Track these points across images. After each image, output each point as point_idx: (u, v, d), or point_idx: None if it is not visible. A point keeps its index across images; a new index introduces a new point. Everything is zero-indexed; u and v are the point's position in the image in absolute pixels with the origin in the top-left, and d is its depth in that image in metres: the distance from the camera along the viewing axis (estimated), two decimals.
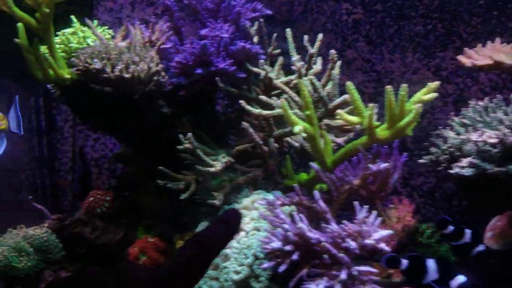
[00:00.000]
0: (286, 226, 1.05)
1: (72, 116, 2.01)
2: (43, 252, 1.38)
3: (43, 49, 1.41)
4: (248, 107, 1.19)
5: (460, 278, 1.04)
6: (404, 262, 1.08)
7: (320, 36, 1.42)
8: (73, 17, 1.51)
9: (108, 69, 1.18)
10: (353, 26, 1.81)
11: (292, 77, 1.32)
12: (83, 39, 1.47)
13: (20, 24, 1.34)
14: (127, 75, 1.18)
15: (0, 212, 1.97)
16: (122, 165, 1.65)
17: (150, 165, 1.47)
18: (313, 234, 1.05)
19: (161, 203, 1.47)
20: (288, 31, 1.46)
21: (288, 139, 1.38)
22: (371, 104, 1.09)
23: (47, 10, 1.28)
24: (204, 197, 1.36)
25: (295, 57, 1.31)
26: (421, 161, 1.30)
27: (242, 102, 1.19)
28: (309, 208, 1.16)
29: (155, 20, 1.49)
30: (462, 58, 1.32)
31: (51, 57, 1.33)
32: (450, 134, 1.21)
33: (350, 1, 1.79)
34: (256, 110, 1.19)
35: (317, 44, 1.41)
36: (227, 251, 1.20)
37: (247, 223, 1.22)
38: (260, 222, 1.20)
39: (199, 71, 1.21)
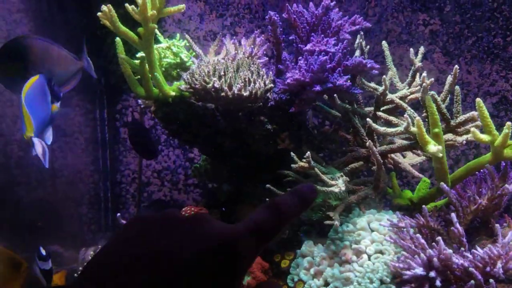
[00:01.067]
0: (430, 251, 1.00)
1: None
2: None
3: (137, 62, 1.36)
4: (374, 125, 1.14)
5: None
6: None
7: (421, 49, 1.38)
8: (158, 32, 1.45)
9: (226, 87, 1.12)
10: (430, 37, 1.77)
11: (407, 92, 1.28)
12: (175, 55, 1.42)
13: (118, 39, 1.29)
14: (245, 94, 1.12)
15: (61, 225, 1.91)
16: (208, 180, 1.58)
17: (247, 182, 1.42)
18: (456, 259, 1.01)
19: None
20: (385, 44, 1.42)
21: (393, 155, 1.33)
22: (508, 123, 1.05)
23: (154, 26, 1.22)
24: (308, 214, 1.32)
25: (396, 76, 1.27)
26: None
27: (369, 120, 1.14)
28: (438, 231, 1.12)
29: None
30: None
31: (155, 72, 1.27)
32: None
33: (427, 12, 1.75)
34: (382, 128, 1.14)
35: (420, 56, 1.37)
36: (348, 274, 1.15)
37: (367, 246, 1.17)
38: (383, 245, 1.16)
39: (317, 88, 1.15)
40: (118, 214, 1.44)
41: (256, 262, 1.32)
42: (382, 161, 1.27)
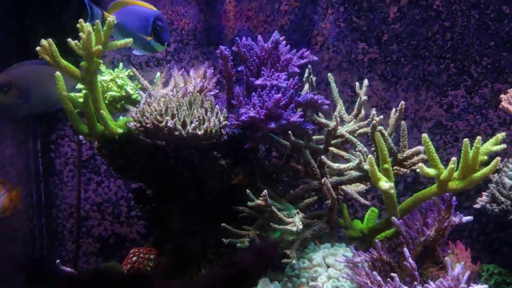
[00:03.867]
0: None
1: (77, 159, 1.85)
2: None
3: (77, 97, 1.29)
4: (329, 162, 1.17)
5: None
6: None
7: (366, 81, 1.44)
8: (102, 65, 1.39)
9: (180, 126, 1.10)
10: (369, 65, 1.85)
11: (355, 126, 1.32)
12: (120, 87, 1.36)
13: (58, 74, 1.22)
14: (200, 132, 1.10)
15: None
16: (149, 215, 1.53)
17: (195, 220, 1.39)
18: None
19: (208, 258, 1.39)
20: (331, 76, 1.47)
21: (343, 187, 1.37)
22: (453, 158, 1.12)
23: (99, 61, 1.17)
24: None
25: (343, 109, 1.32)
26: (477, 206, 1.35)
27: (323, 157, 1.16)
28: (390, 265, 1.16)
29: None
30: (505, 104, 1.40)
31: (100, 110, 1.21)
32: (506, 180, 1.27)
33: (366, 41, 1.83)
34: (335, 165, 1.17)
35: (364, 89, 1.43)
36: None
37: (324, 283, 1.19)
38: (339, 281, 1.18)
39: (272, 125, 1.16)
40: (58, 260, 1.34)
41: None
42: (335, 196, 1.31)
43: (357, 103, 1.41)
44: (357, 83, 1.40)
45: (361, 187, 1.46)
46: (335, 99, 1.46)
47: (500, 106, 1.42)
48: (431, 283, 1.05)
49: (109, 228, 1.97)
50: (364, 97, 1.39)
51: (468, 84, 1.80)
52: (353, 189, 1.44)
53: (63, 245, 1.97)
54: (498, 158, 1.12)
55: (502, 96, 1.44)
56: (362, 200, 1.39)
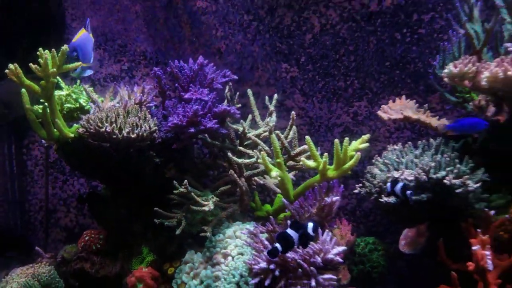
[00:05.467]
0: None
1: (45, 161, 2.08)
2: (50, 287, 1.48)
3: (39, 108, 1.54)
4: (234, 158, 1.44)
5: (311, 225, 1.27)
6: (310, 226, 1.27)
7: (275, 95, 1.73)
8: (60, 80, 1.65)
9: (117, 131, 1.36)
10: (291, 81, 2.14)
11: (261, 131, 1.60)
12: (75, 100, 1.62)
13: (24, 91, 1.47)
14: (133, 136, 1.37)
15: None
16: (104, 205, 1.78)
17: (138, 206, 1.65)
18: (290, 254, 1.33)
19: (148, 237, 1.64)
20: (250, 92, 1.75)
21: (256, 178, 1.64)
22: (325, 154, 1.41)
23: (54, 81, 1.42)
24: (191, 229, 1.58)
25: (258, 117, 1.60)
26: (356, 191, 1.65)
27: (229, 154, 1.44)
28: None
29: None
30: (380, 113, 1.70)
31: (56, 119, 1.46)
32: (376, 171, 1.57)
33: (288, 62, 2.13)
34: (240, 160, 1.45)
35: (274, 102, 1.71)
36: (217, 273, 1.43)
37: (232, 250, 1.46)
38: (243, 248, 1.45)
39: (191, 130, 1.43)
40: (36, 247, 1.59)
41: (147, 272, 1.55)
42: (246, 184, 1.58)
43: (268, 113, 1.70)
44: (266, 97, 1.69)
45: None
46: (253, 109, 1.74)
47: (377, 113, 1.71)
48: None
49: (74, 220, 2.20)
50: (272, 108, 1.67)
51: (369, 97, 2.11)
52: (269, 180, 1.72)
53: (35, 234, 2.19)
54: (359, 154, 1.41)
55: (383, 106, 1.74)
56: (275, 189, 1.66)
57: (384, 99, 2.09)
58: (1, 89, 1.65)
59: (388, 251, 1.72)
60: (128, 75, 2.12)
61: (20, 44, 1.83)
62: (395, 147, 1.62)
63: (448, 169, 1.34)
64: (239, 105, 1.78)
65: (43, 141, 1.61)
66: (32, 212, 2.17)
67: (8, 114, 1.63)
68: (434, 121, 1.60)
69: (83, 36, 1.51)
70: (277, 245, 1.21)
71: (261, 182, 1.67)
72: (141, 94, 1.60)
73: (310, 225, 1.26)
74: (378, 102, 2.10)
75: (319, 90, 2.13)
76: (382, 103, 2.09)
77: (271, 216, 1.44)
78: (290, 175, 1.68)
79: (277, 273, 1.32)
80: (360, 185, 1.61)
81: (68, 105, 1.58)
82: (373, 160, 1.64)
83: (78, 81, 1.76)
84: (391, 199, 1.44)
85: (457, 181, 1.32)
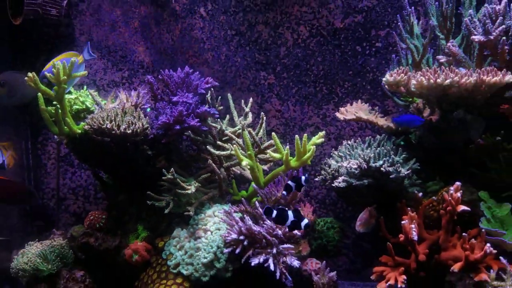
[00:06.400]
0: (240, 224, 1.56)
1: (56, 155, 2.34)
2: (60, 257, 1.73)
3: (52, 109, 1.79)
4: (212, 150, 1.70)
5: (306, 220, 1.42)
6: (274, 212, 1.41)
7: (251, 99, 1.98)
8: (72, 88, 1.90)
9: (115, 128, 1.61)
10: (268, 87, 2.39)
11: (236, 128, 1.86)
12: (82, 103, 1.87)
13: (39, 95, 1.72)
14: (129, 131, 1.62)
15: None
16: (106, 192, 2.03)
17: (134, 191, 1.90)
18: (256, 228, 1.58)
19: (142, 217, 1.89)
20: (229, 96, 2.00)
21: (233, 169, 1.89)
22: (287, 147, 1.66)
23: (65, 87, 1.68)
24: (178, 210, 1.82)
25: (236, 117, 1.85)
26: (316, 179, 1.90)
27: (209, 147, 1.69)
28: (250, 213, 1.69)
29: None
30: (338, 114, 1.96)
31: (66, 117, 1.71)
32: (332, 162, 1.82)
33: (265, 71, 2.38)
34: (217, 152, 1.70)
35: (250, 105, 1.96)
36: (199, 245, 1.68)
37: (211, 226, 1.71)
38: (220, 224, 1.70)
39: (177, 127, 1.69)
40: (54, 229, 1.84)
41: (142, 245, 1.80)
42: (225, 173, 1.83)
43: (243, 114, 1.95)
44: (242, 100, 1.94)
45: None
46: (231, 110, 1.99)
47: (336, 114, 1.96)
48: (267, 221, 1.58)
49: (81, 206, 2.45)
50: (247, 109, 1.92)
51: (336, 101, 2.35)
52: (246, 172, 1.97)
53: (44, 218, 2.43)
54: (314, 147, 1.66)
55: (340, 108, 1.99)
56: (248, 176, 1.90)
57: (348, 102, 2.33)
58: (6, 76, 1.85)
59: (344, 230, 1.96)
60: (128, 82, 2.37)
61: (38, 59, 2.09)
62: (349, 142, 1.87)
63: (385, 159, 1.59)
64: (221, 107, 2.03)
65: (55, 137, 1.86)
66: (45, 200, 2.42)
67: (9, 98, 1.87)
68: (380, 121, 1.85)
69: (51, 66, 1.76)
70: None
71: (239, 172, 1.92)
72: (137, 98, 1.86)
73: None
74: (343, 105, 2.34)
75: (293, 95, 2.37)
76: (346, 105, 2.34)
77: (243, 198, 1.69)
78: (265, 167, 1.93)
79: (245, 243, 1.57)
80: (319, 174, 1.86)
81: (76, 106, 1.84)
82: (331, 153, 1.89)
83: (85, 86, 2.02)
84: (341, 184, 1.69)
85: (390, 169, 1.57)
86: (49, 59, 1.67)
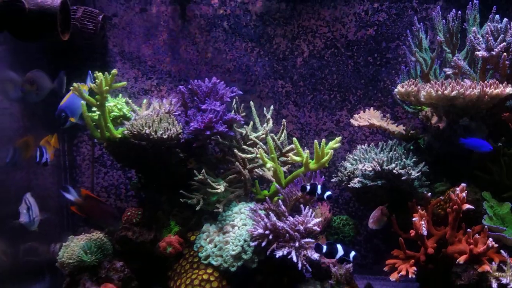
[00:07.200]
0: (265, 220, 1.70)
1: (91, 156, 2.49)
2: (102, 249, 1.88)
3: (94, 115, 1.93)
4: (239, 154, 1.83)
5: (352, 252, 1.57)
6: (324, 247, 1.58)
7: (271, 106, 2.11)
8: (109, 95, 2.04)
9: (153, 133, 1.75)
10: (286, 95, 2.52)
11: (259, 133, 1.99)
12: (119, 110, 2.02)
13: (83, 103, 1.87)
14: (165, 136, 1.76)
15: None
16: (138, 191, 2.17)
17: (167, 190, 2.04)
18: (280, 224, 1.71)
19: (175, 213, 2.03)
20: (252, 103, 2.13)
21: (256, 170, 2.03)
22: (307, 151, 1.79)
23: (106, 96, 1.83)
24: (207, 207, 1.96)
25: (258, 123, 1.99)
26: (332, 180, 2.02)
27: (235, 150, 1.83)
28: (274, 210, 1.82)
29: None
30: (352, 121, 2.08)
31: (107, 123, 1.86)
32: (347, 164, 1.95)
33: (283, 79, 2.51)
34: (243, 155, 1.83)
35: (271, 112, 2.10)
36: (227, 239, 1.81)
37: (238, 221, 1.85)
38: (246, 220, 1.84)
39: (207, 132, 1.83)
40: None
41: (175, 238, 1.93)
42: (249, 174, 1.96)
43: (265, 120, 2.08)
44: (264, 108, 2.07)
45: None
46: (254, 117, 2.12)
47: (350, 121, 2.09)
48: (290, 218, 1.72)
49: (113, 204, 2.59)
50: (268, 116, 2.06)
51: (349, 107, 2.48)
52: (266, 173, 2.10)
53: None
54: (331, 151, 1.79)
55: (354, 115, 2.12)
56: (269, 177, 2.03)
57: (360, 109, 2.46)
58: (34, 75, 1.94)
59: (357, 227, 2.09)
60: (156, 89, 2.51)
61: (80, 70, 2.23)
62: (363, 146, 2.00)
63: (397, 162, 1.72)
64: (244, 114, 2.17)
65: (95, 140, 2.00)
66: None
67: (36, 95, 1.93)
68: (392, 127, 1.98)
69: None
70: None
71: (260, 173, 2.05)
72: (169, 105, 2.00)
73: (327, 193, 1.68)
74: (356, 111, 2.47)
75: (309, 101, 2.50)
76: (359, 112, 2.47)
77: (267, 197, 1.82)
78: (284, 168, 2.07)
79: (270, 237, 1.70)
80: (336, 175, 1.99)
81: (114, 113, 1.98)
82: (346, 157, 2.02)
83: (120, 94, 2.16)
84: (357, 185, 1.82)
85: (402, 171, 1.69)
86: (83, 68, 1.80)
